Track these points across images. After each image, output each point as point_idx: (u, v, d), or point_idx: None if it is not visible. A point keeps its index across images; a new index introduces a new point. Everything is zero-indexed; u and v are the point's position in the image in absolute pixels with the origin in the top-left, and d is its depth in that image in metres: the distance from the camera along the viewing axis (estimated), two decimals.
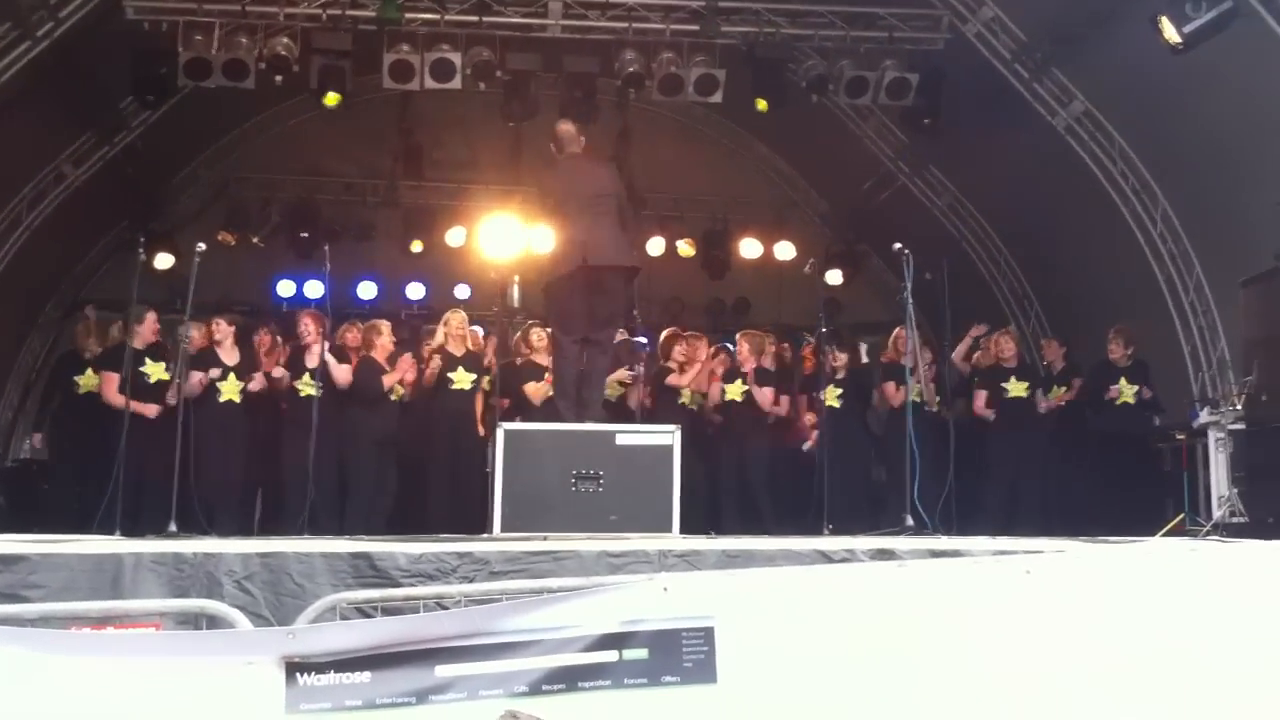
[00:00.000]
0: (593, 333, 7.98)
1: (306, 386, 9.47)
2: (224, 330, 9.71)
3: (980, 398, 10.49)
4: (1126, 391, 10.38)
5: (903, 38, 11.80)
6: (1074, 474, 10.67)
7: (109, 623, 3.90)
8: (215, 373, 9.35)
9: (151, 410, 9.13)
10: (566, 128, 8.39)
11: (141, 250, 8.93)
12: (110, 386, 9.28)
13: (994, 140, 12.47)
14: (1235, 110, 9.86)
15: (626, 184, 9.61)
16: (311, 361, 9.37)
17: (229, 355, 9.64)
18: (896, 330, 9.98)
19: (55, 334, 14.73)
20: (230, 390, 9.47)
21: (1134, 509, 9.53)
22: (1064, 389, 10.73)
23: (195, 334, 9.23)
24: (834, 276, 15.06)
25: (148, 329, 9.40)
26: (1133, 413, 10.44)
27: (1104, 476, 10.41)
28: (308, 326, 9.61)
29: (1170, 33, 9.26)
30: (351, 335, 9.99)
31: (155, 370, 9.29)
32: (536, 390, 9.77)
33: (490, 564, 4.98)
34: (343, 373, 9.54)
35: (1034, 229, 13.54)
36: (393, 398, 9.84)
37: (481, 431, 9.62)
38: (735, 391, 10.37)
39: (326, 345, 9.30)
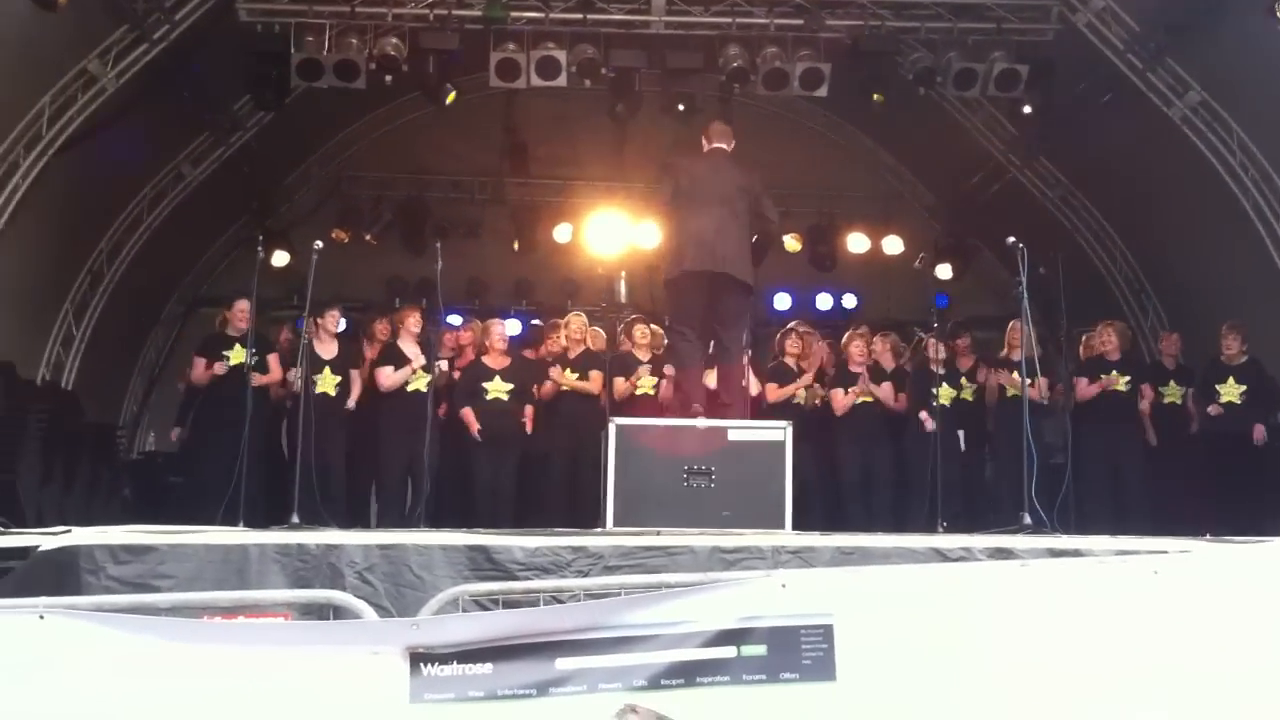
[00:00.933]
0: (721, 331, 7.99)
1: (416, 380, 9.62)
2: (333, 322, 9.82)
3: (1081, 384, 10.10)
4: (1231, 392, 10.08)
5: (1011, 29, 11.59)
6: (1179, 472, 10.37)
7: (239, 612, 4.01)
8: (293, 374, 9.42)
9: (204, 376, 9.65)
10: (722, 125, 8.38)
11: (260, 248, 9.03)
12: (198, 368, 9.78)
13: (1107, 131, 12.20)
14: None
15: None
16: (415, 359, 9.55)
17: (327, 349, 9.68)
18: (1011, 324, 9.84)
19: (178, 330, 15.18)
20: (326, 384, 9.51)
21: (1251, 509, 9.24)
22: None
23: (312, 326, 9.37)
24: (944, 271, 14.86)
25: (236, 316, 9.68)
26: (1242, 412, 10.08)
27: (1214, 476, 10.10)
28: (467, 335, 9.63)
29: None
30: (466, 335, 10.10)
31: (236, 356, 9.50)
32: (622, 386, 9.89)
33: (604, 558, 5.01)
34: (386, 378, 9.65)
35: (1150, 221, 13.21)
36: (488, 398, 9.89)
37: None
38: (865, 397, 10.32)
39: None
